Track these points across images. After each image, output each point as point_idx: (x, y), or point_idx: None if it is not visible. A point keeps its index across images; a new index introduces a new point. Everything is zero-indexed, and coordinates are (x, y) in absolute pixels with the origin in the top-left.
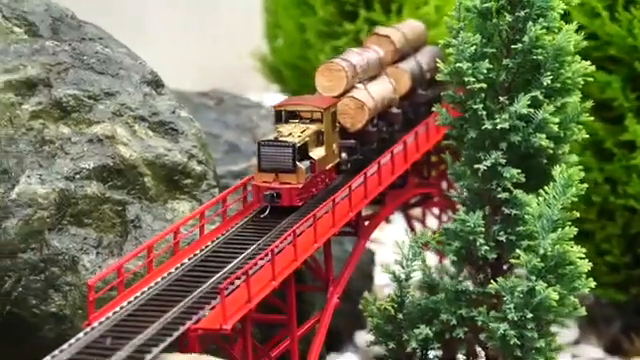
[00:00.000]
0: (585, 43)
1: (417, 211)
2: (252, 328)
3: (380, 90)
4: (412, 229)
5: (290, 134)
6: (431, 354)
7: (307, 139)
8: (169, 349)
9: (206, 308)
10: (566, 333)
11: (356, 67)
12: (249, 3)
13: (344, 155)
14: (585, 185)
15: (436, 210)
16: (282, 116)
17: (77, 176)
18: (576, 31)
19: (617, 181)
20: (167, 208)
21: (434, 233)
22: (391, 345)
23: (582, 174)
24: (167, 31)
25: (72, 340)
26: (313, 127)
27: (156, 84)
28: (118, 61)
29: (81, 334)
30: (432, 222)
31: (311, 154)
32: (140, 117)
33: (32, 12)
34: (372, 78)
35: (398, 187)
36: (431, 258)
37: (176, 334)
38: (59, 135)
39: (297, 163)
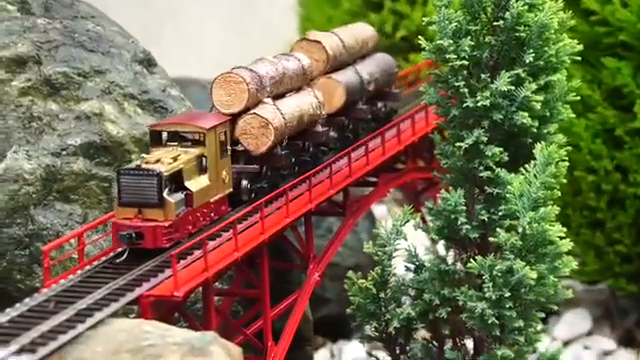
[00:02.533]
0: (573, 22)
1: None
2: (230, 302)
3: (297, 105)
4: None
5: (158, 160)
6: (417, 334)
7: (181, 166)
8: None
9: (159, 276)
10: (580, 324)
11: (263, 79)
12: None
13: (244, 183)
14: (566, 163)
15: None
16: (162, 138)
17: (64, 152)
18: (587, 16)
19: (628, 169)
20: None
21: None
22: (374, 324)
23: (563, 152)
24: (207, 27)
25: (18, 304)
26: (193, 151)
27: (148, 63)
28: (109, 39)
29: (27, 299)
30: None
31: (188, 184)
32: (130, 95)
33: None
34: (293, 91)
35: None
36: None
37: (123, 300)
38: (47, 112)
39: (165, 196)
